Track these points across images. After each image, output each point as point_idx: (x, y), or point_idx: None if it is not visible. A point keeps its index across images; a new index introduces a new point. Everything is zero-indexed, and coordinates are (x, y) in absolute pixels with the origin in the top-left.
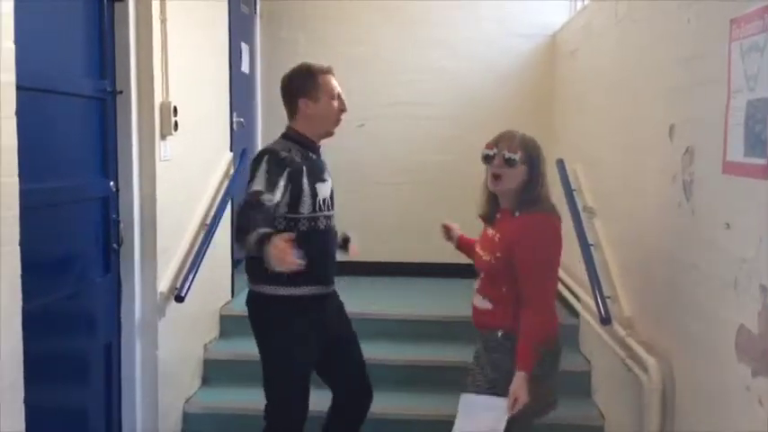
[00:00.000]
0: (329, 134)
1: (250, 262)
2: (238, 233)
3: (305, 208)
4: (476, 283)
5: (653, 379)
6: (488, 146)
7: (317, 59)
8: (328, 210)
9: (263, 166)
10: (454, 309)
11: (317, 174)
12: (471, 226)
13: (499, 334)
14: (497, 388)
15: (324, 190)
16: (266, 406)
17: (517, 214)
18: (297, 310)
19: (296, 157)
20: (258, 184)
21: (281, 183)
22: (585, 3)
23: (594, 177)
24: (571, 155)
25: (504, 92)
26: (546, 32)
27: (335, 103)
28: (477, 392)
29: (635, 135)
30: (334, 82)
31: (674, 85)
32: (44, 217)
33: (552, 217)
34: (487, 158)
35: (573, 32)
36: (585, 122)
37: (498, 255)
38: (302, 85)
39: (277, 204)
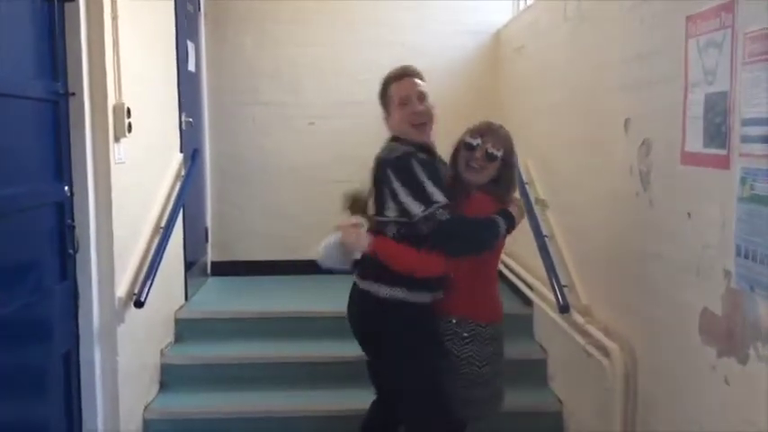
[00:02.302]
0: (420, 142)
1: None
2: (484, 243)
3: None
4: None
5: (616, 363)
6: (473, 134)
7: (263, 59)
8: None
9: (419, 169)
10: None
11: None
12: None
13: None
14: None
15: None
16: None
17: (473, 192)
18: (415, 311)
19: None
20: (436, 194)
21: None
22: (530, 2)
23: (546, 171)
24: (520, 149)
25: (451, 88)
26: (489, 30)
27: (404, 110)
28: None
29: (588, 129)
30: (406, 86)
31: (628, 80)
32: None
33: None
34: (470, 147)
35: (518, 30)
36: (534, 117)
37: None
38: (380, 97)
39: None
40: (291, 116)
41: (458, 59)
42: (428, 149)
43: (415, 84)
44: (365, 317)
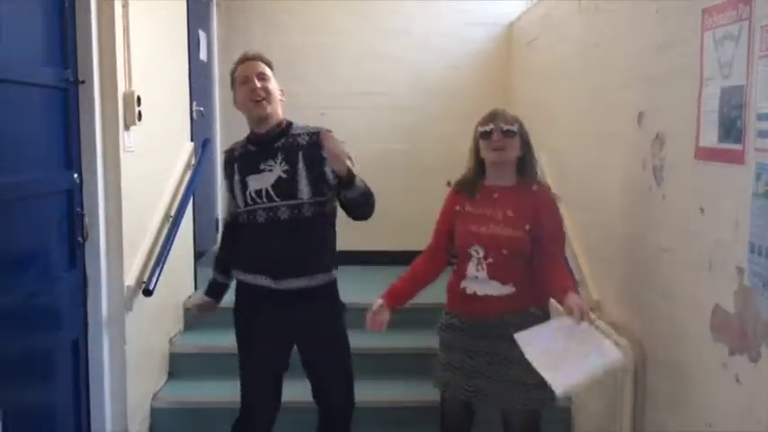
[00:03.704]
0: (258, 120)
1: None
2: None
3: (240, 202)
4: (474, 271)
5: (625, 360)
6: (484, 123)
7: (273, 48)
8: (268, 201)
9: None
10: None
11: (251, 165)
12: (429, 211)
13: (532, 311)
14: None
15: (257, 182)
16: None
17: (535, 188)
18: (245, 294)
19: (236, 152)
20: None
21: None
22: None
23: (558, 164)
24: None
25: (460, 81)
26: (502, 22)
27: (243, 88)
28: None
29: (601, 123)
30: (251, 67)
31: (642, 73)
32: (5, 212)
33: None
34: (485, 135)
35: (531, 22)
36: (546, 111)
37: (527, 227)
38: (230, 80)
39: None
40: (302, 106)
41: (469, 51)
42: (257, 140)
43: (257, 65)
44: None
